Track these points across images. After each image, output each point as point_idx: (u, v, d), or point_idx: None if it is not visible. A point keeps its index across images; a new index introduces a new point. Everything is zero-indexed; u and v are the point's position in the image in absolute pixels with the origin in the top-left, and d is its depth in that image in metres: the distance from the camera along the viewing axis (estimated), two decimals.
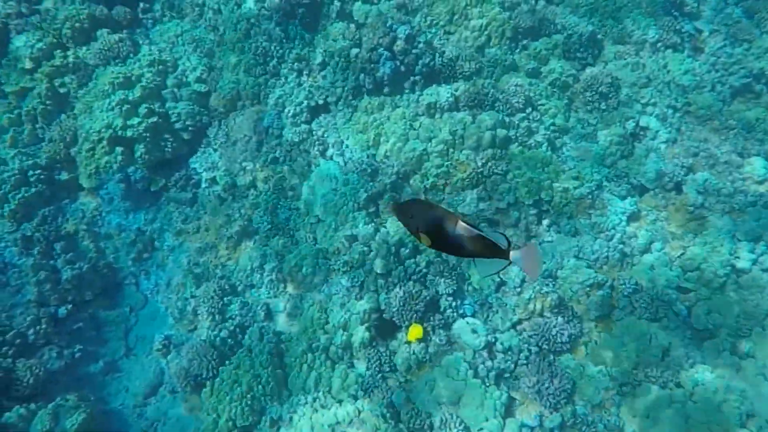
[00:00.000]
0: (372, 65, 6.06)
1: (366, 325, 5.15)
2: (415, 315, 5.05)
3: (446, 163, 5.70)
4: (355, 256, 5.42)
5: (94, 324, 5.83)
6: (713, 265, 5.36)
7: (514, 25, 6.37)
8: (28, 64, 6.34)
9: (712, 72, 6.50)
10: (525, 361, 5.03)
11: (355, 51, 6.11)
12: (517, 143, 5.90)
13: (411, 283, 5.21)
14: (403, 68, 6.12)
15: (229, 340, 5.43)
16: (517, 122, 5.95)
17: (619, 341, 5.10)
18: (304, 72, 6.46)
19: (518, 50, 6.46)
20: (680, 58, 6.53)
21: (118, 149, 6.03)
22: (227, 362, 5.24)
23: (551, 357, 5.05)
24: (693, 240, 5.60)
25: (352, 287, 5.33)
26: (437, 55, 6.25)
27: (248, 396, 5.00)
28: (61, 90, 6.35)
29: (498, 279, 5.38)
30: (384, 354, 5.12)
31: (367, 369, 5.08)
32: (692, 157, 6.00)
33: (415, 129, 5.87)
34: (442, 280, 5.26)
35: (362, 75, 6.08)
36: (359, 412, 4.79)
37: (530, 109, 6.07)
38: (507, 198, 5.57)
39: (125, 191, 6.13)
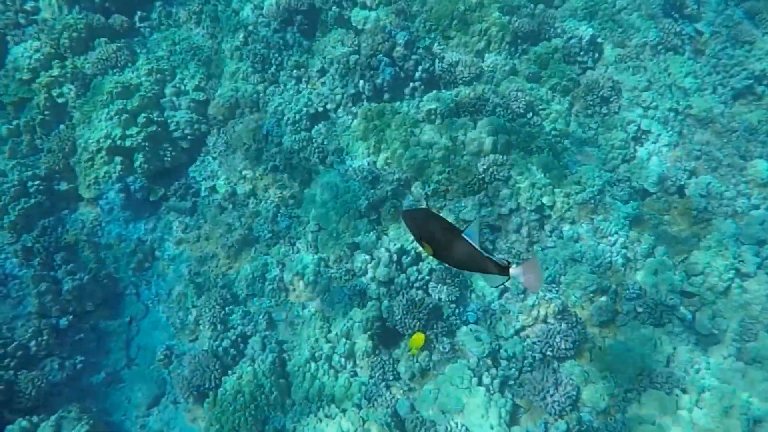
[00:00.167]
0: (371, 71, 6.04)
1: (369, 333, 5.12)
2: (418, 323, 5.03)
3: (447, 170, 5.67)
4: (357, 264, 5.40)
5: (96, 335, 5.81)
6: (717, 270, 5.33)
7: (513, 30, 6.35)
8: (26, 75, 6.32)
9: (713, 74, 6.47)
10: (529, 368, 5.01)
11: (354, 57, 6.08)
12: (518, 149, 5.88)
13: (414, 290, 5.18)
14: (402, 74, 6.10)
15: (231, 350, 5.42)
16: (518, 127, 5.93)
17: (623, 347, 5.07)
18: (303, 79, 6.44)
19: (518, 54, 6.44)
20: (681, 60, 6.51)
21: (117, 159, 6.01)
22: (230, 372, 5.22)
23: (555, 363, 5.03)
24: (697, 244, 5.57)
25: (354, 295, 5.31)
26: (437, 60, 6.23)
27: (251, 406, 4.97)
28: (60, 100, 6.32)
29: (501, 286, 5.36)
30: (387, 362, 5.09)
31: (371, 377, 5.06)
32: (694, 161, 5.97)
33: (415, 135, 5.85)
34: (445, 287, 5.23)
35: (362, 81, 6.06)
36: (363, 422, 4.76)
37: (531, 114, 6.05)
38: (509, 204, 5.55)
39: (125, 201, 6.10)
